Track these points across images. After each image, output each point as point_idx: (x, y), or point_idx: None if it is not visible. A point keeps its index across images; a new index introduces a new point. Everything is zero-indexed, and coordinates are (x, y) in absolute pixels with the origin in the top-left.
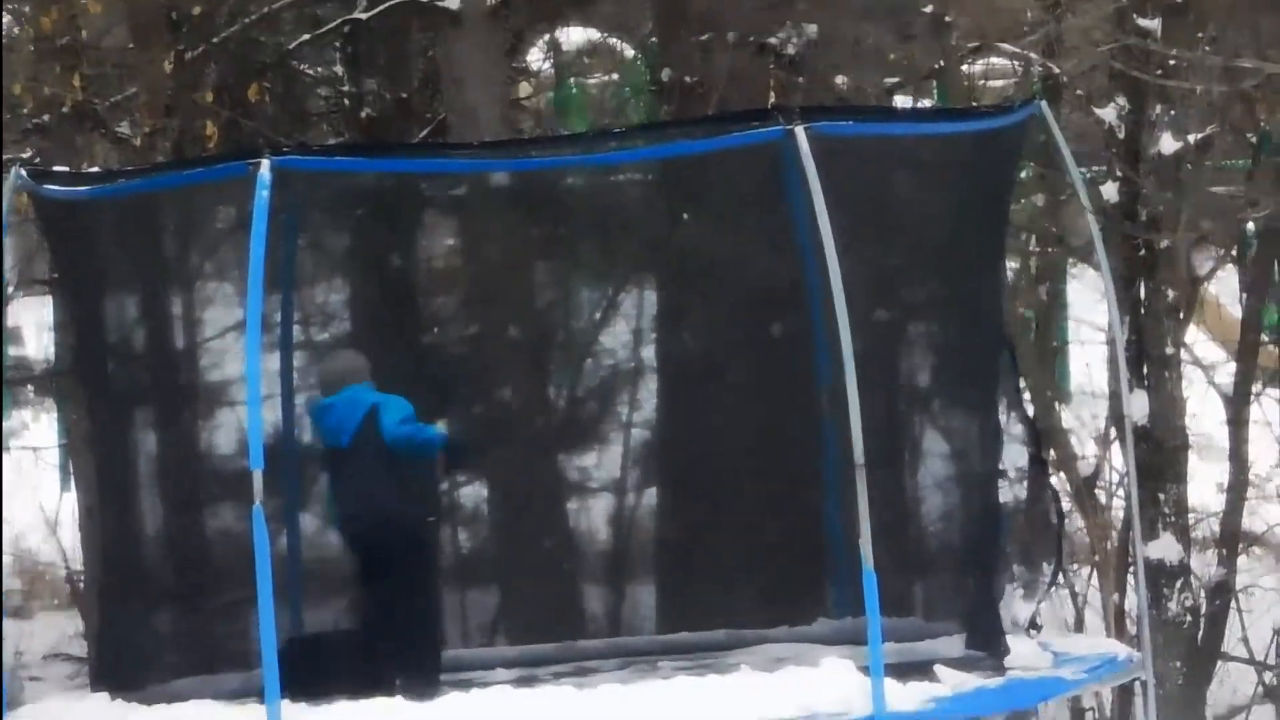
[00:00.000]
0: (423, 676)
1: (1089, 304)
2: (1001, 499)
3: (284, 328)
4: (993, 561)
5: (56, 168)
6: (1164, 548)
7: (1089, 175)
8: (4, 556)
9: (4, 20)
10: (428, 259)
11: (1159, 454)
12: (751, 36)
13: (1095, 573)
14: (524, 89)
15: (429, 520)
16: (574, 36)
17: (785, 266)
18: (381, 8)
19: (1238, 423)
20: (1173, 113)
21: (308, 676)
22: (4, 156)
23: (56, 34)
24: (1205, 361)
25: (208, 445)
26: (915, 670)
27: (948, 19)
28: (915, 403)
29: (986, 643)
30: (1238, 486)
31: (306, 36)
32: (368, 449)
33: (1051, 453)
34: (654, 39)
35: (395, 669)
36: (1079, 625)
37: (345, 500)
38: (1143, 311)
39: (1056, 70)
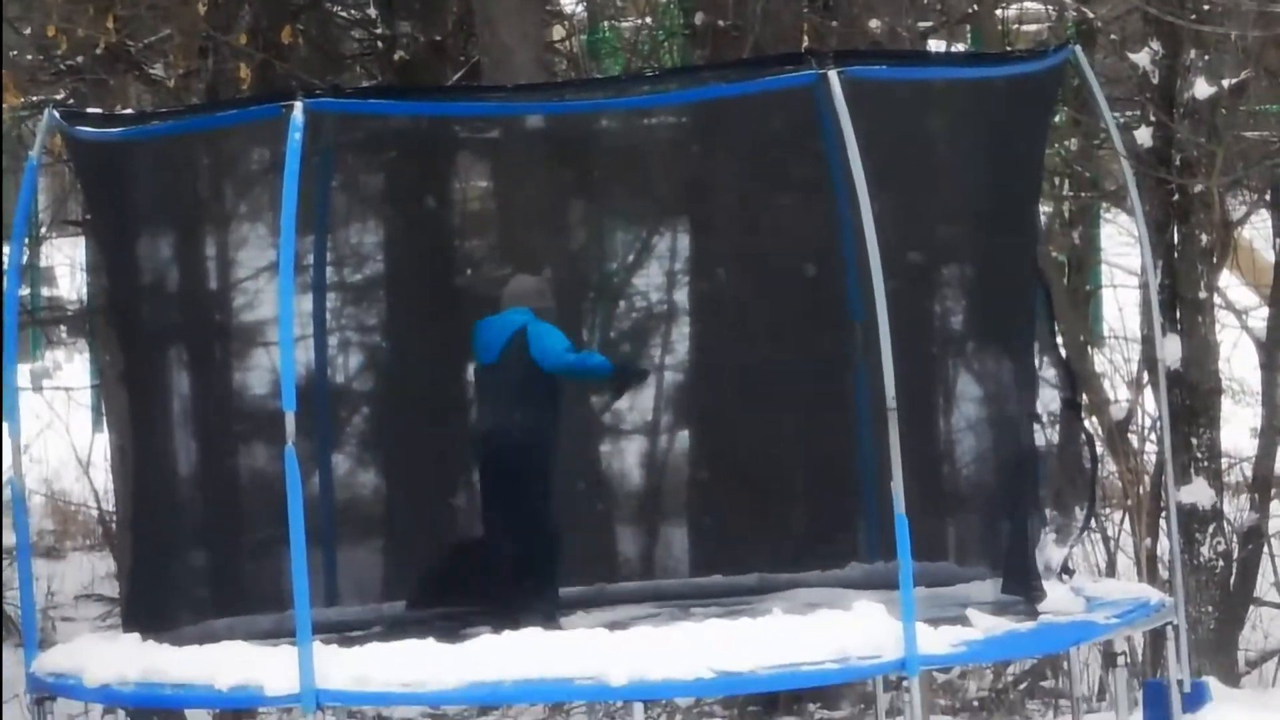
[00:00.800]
0: (540, 604)
1: (1122, 248)
2: (1036, 443)
3: (317, 269)
4: (1026, 506)
5: (90, 109)
6: (1196, 492)
7: (1123, 120)
8: (36, 497)
9: None
10: (461, 201)
11: (1192, 398)
12: None
13: (1127, 517)
14: (557, 32)
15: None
16: None
17: (819, 208)
18: None
19: (1271, 367)
20: (1207, 57)
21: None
22: (38, 97)
23: None
24: (1238, 306)
25: (240, 386)
26: (947, 614)
27: None
28: (948, 346)
29: (1020, 587)
30: (1270, 431)
31: None
32: (507, 370)
33: (1084, 397)
34: None
35: (513, 594)
36: (1111, 570)
37: (481, 418)
38: (1176, 256)
39: (1090, 15)
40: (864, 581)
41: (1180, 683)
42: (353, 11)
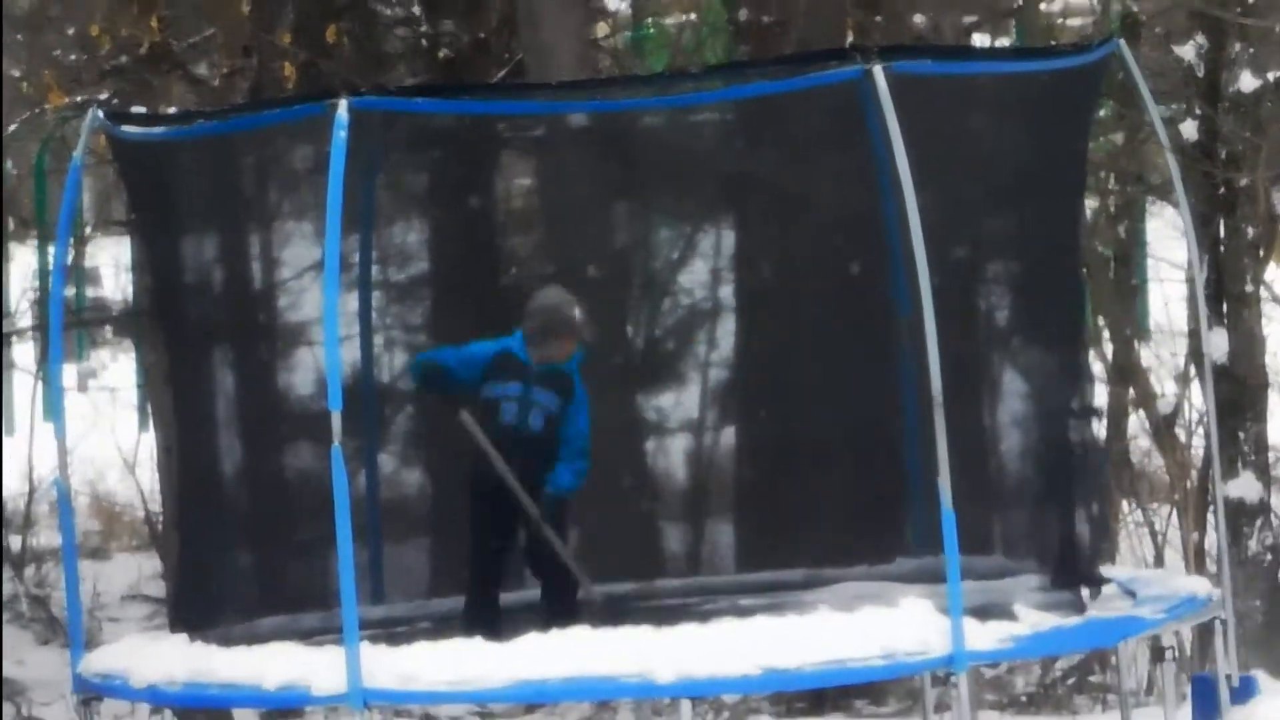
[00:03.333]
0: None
1: (1168, 242)
2: (1084, 437)
3: (362, 267)
4: (1075, 500)
5: (134, 109)
6: (1244, 486)
7: (1168, 113)
8: (81, 497)
9: None
10: (505, 199)
11: (1239, 392)
12: None
13: (1175, 511)
14: (601, 29)
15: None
16: None
17: (864, 203)
18: None
19: None
20: (1252, 50)
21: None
22: (81, 97)
23: None
24: None
25: (286, 385)
26: (995, 609)
27: None
28: (995, 340)
29: (1069, 582)
30: None
31: None
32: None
33: (1131, 391)
34: None
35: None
36: (1158, 563)
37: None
38: (1222, 249)
39: (1135, 8)
40: (911, 576)
41: (1228, 677)
42: (396, 10)
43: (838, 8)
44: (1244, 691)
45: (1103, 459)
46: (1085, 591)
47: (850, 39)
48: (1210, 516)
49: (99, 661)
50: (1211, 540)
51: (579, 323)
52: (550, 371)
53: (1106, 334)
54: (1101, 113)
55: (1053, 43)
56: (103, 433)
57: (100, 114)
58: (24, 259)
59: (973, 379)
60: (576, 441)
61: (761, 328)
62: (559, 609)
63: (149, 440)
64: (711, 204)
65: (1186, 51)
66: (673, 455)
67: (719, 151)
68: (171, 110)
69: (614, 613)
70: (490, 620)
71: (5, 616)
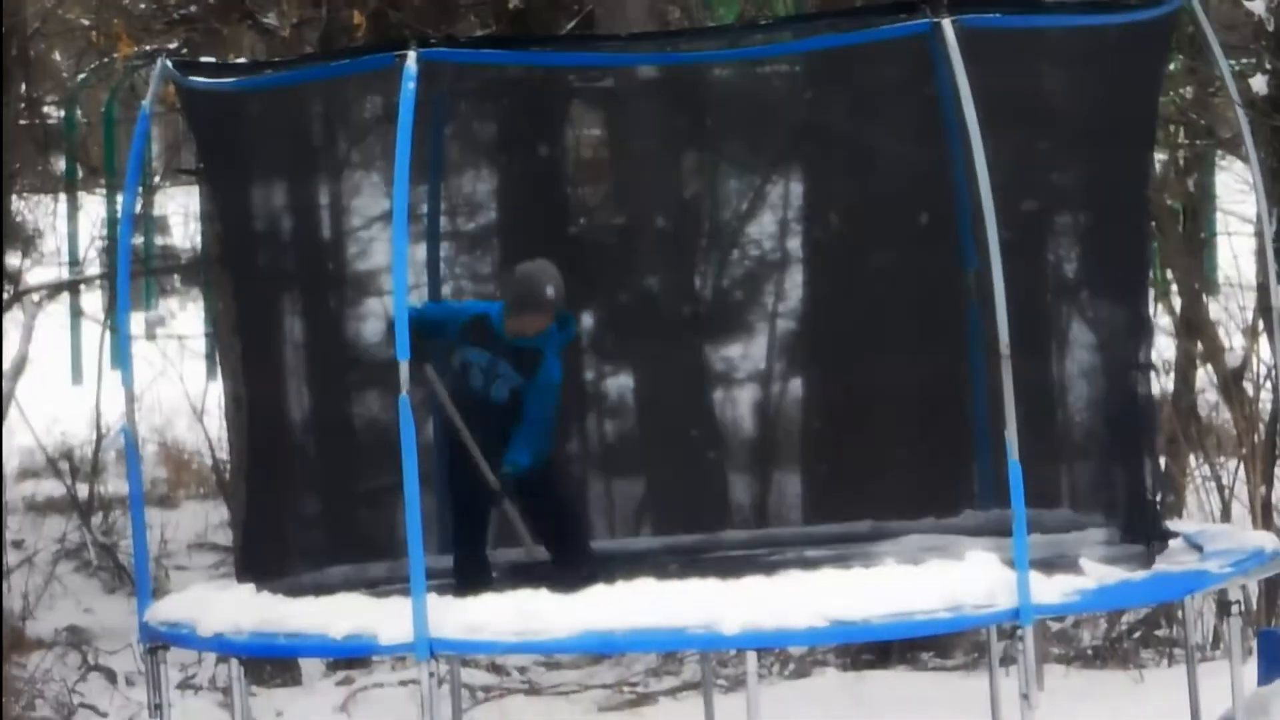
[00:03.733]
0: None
1: (1237, 195)
2: (1150, 390)
3: (430, 218)
4: (1141, 454)
5: (203, 59)
6: None
7: (1238, 67)
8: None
9: None
10: (574, 150)
11: None
12: None
13: (1242, 465)
14: None
15: None
16: None
17: (932, 155)
18: None
19: None
20: None
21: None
22: (151, 47)
23: None
24: None
25: (355, 335)
26: (1061, 562)
27: None
28: (1062, 293)
29: (1137, 535)
30: None
31: None
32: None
33: (1199, 345)
34: None
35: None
36: (1225, 518)
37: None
38: None
39: None
40: (978, 529)
41: None
42: None
43: None
44: None
45: (1157, 414)
46: (1152, 545)
47: None
48: (1278, 470)
49: (166, 610)
50: (1279, 494)
51: (551, 299)
52: (520, 346)
53: (1175, 288)
54: (1171, 67)
55: None
56: (171, 381)
57: (169, 63)
58: (93, 208)
59: (1040, 332)
60: (535, 424)
61: (829, 280)
62: (562, 574)
63: (217, 389)
64: (780, 156)
65: (1257, 5)
66: (740, 406)
67: (787, 104)
68: (240, 60)
69: (681, 564)
70: (475, 573)
71: (72, 565)
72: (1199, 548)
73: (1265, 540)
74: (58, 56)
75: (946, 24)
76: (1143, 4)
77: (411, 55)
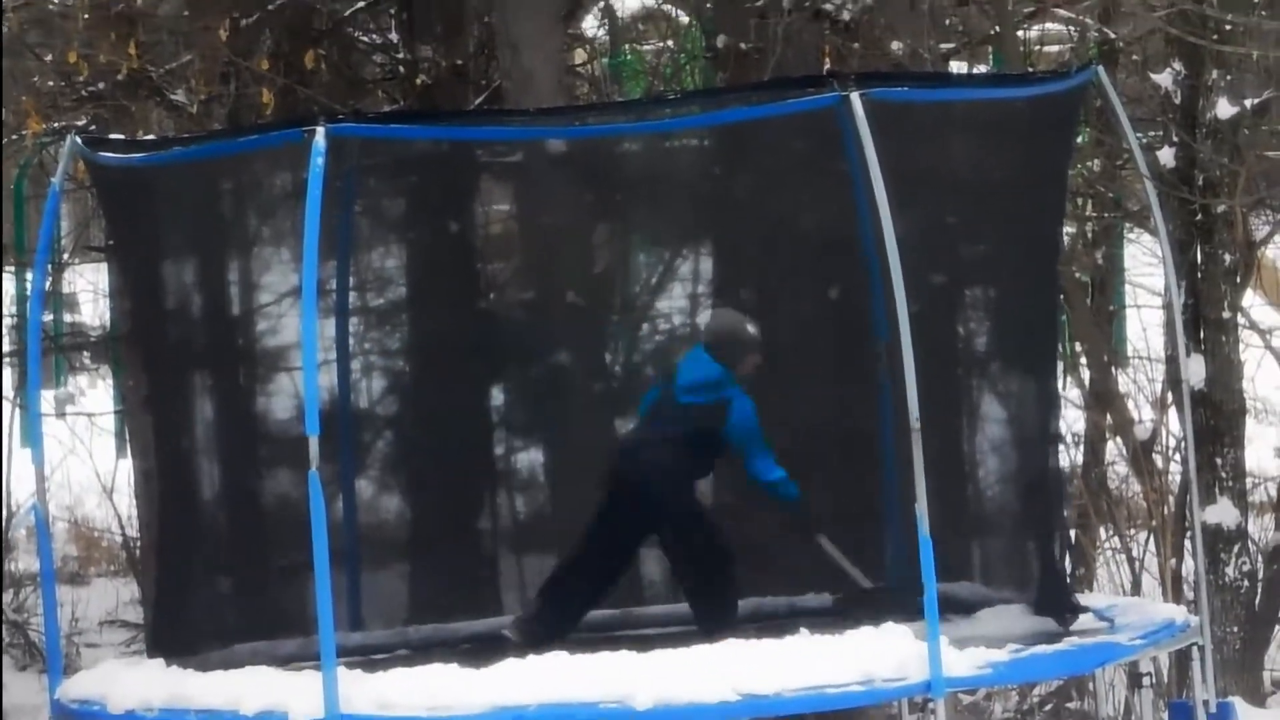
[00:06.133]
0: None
1: (1146, 268)
2: (1060, 463)
3: (340, 293)
4: (1052, 527)
5: (112, 135)
6: (1221, 512)
7: (1145, 140)
8: (59, 523)
9: None
10: (484, 224)
11: (1216, 418)
12: (806, 2)
13: (1152, 537)
14: (579, 55)
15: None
16: (629, 2)
17: (842, 229)
18: None
19: None
20: (1229, 77)
21: None
22: (59, 123)
23: (112, 0)
24: (1262, 325)
25: (264, 411)
26: (973, 636)
27: None
28: (972, 366)
29: (1051, 608)
30: None
31: (362, 3)
32: (691, 420)
33: (1109, 417)
34: (709, 4)
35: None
36: (1136, 590)
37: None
38: (1199, 276)
39: (1113, 35)
40: (890, 603)
41: (1206, 703)
42: (374, 36)
43: (815, 34)
44: (1221, 718)
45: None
46: (1064, 618)
47: (827, 65)
48: (1188, 543)
49: (77, 687)
50: (1189, 567)
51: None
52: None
53: (1084, 360)
54: (1080, 139)
55: (1030, 69)
56: (81, 458)
57: (78, 140)
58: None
59: (950, 405)
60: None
61: None
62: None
63: (127, 466)
64: (690, 230)
65: (1164, 78)
66: None
67: (697, 177)
68: (149, 136)
69: (594, 638)
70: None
71: None
72: (1110, 620)
73: (1175, 612)
74: None
75: (855, 97)
76: (1051, 77)
77: (320, 130)
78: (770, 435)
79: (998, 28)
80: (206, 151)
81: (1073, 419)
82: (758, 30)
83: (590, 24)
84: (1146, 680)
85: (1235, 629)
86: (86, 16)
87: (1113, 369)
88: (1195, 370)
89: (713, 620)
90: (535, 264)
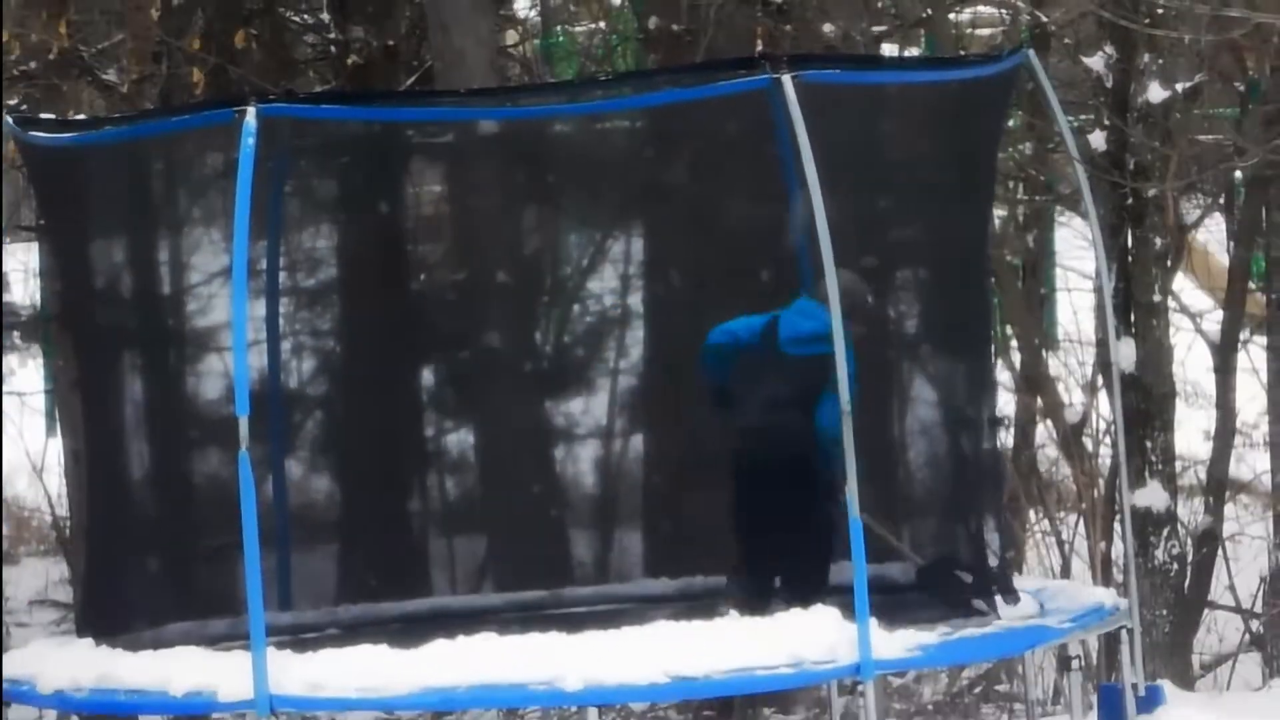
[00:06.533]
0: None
1: (1076, 252)
2: (993, 446)
3: (270, 274)
4: (985, 509)
5: (43, 115)
6: (1151, 495)
7: (1077, 124)
8: None
9: None
10: (415, 205)
11: (1146, 401)
12: None
13: (1082, 521)
14: (511, 36)
15: None
16: None
17: (773, 211)
18: None
19: (1225, 370)
20: (1161, 61)
21: None
22: None
23: None
24: (1193, 309)
25: (194, 391)
26: (902, 618)
27: None
28: (904, 349)
29: (981, 591)
30: (1225, 434)
31: None
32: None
33: (1039, 400)
34: None
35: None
36: (1065, 573)
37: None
38: (1130, 259)
39: (1044, 19)
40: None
41: (1135, 686)
42: (306, 17)
43: (748, 17)
44: (1150, 701)
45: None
46: (999, 600)
47: (760, 48)
48: (1117, 526)
49: (6, 666)
50: (1118, 550)
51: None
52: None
53: (1015, 343)
54: (1011, 122)
55: (962, 52)
56: (10, 438)
57: (9, 119)
58: None
59: (882, 388)
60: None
61: (670, 335)
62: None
63: (56, 445)
64: (621, 211)
65: (1095, 62)
66: (581, 462)
67: (628, 159)
68: (80, 116)
69: (523, 620)
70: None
71: None
72: (1039, 603)
73: (1104, 596)
74: None
75: (786, 79)
76: (983, 60)
77: (251, 110)
78: (701, 418)
79: (930, 11)
80: (138, 132)
81: (1003, 402)
82: (690, 12)
83: (522, 5)
84: (1075, 663)
85: (1164, 612)
86: None
87: (1043, 352)
88: (1125, 354)
89: (809, 586)
90: (466, 245)
